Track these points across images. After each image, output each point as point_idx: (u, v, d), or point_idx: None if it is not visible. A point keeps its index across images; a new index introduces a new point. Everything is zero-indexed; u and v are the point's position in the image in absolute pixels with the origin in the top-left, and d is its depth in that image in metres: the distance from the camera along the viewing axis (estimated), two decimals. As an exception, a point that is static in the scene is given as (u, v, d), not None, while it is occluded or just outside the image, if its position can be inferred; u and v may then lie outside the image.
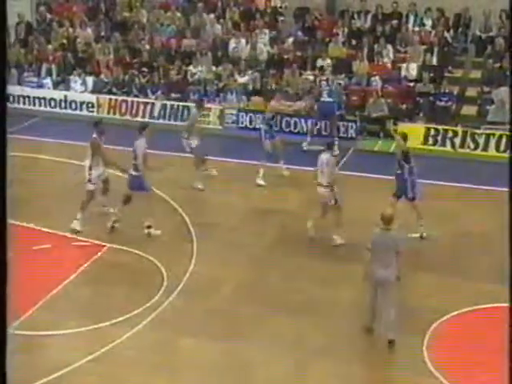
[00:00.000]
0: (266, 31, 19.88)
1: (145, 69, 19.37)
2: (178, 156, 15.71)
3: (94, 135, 12.61)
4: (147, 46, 19.94)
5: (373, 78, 18.41)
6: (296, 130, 17.51)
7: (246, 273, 11.47)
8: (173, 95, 18.83)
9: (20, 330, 9.82)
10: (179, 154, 15.72)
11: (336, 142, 16.66)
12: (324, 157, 12.46)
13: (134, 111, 18.62)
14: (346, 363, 9.31)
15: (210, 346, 9.65)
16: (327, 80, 16.85)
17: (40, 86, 19.38)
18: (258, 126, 17.37)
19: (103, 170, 12.71)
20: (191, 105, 18.31)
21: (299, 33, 19.92)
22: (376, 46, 19.03)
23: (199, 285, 11.21)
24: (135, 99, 18.69)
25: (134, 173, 12.41)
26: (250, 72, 18.88)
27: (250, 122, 17.82)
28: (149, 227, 12.51)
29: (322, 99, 16.71)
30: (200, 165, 14.65)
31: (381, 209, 13.62)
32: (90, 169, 12.52)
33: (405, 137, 12.76)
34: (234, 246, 12.32)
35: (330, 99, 16.69)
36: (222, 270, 11.60)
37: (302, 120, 17.49)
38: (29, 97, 19.08)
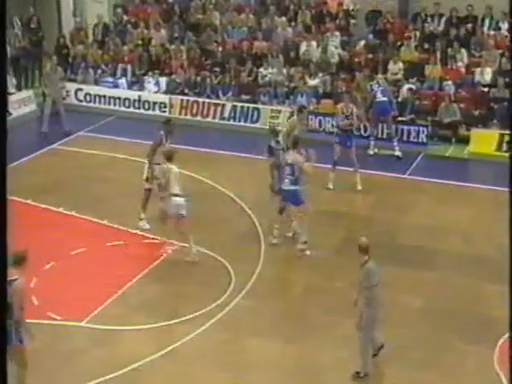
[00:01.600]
0: (338, 34, 19.83)
1: (217, 70, 19.62)
2: (246, 157, 15.91)
3: (161, 132, 12.75)
4: (219, 48, 20.19)
5: (445, 83, 18.14)
6: (366, 134, 17.43)
7: (313, 275, 11.51)
8: (243, 97, 19.01)
9: (92, 324, 10.17)
10: (247, 154, 15.93)
11: (372, 142, 16.73)
12: (171, 167, 11.74)
13: (205, 112, 18.87)
14: (416, 369, 9.27)
15: (276, 348, 9.75)
16: (378, 81, 16.79)
17: (115, 85, 19.81)
18: (328, 130, 17.47)
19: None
20: (261, 106, 18.53)
21: (371, 36, 19.81)
22: (449, 50, 18.73)
23: (266, 286, 11.33)
24: (206, 100, 18.94)
25: (291, 187, 11.94)
26: (320, 75, 18.88)
27: (320, 124, 17.81)
28: (304, 243, 12.02)
29: (377, 99, 16.63)
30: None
31: (451, 216, 13.58)
32: (150, 167, 12.56)
33: (274, 132, 13.34)
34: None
35: (385, 98, 16.61)
36: (290, 272, 11.71)
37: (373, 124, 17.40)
38: (105, 96, 19.57)
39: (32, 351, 9.70)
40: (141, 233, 12.71)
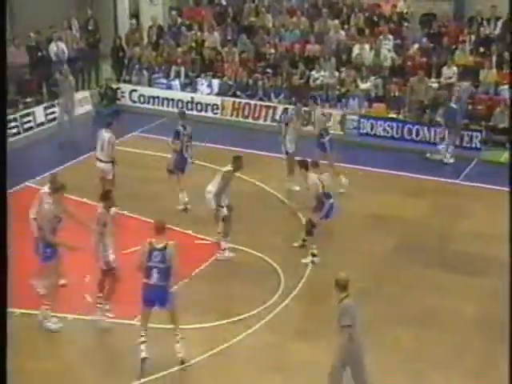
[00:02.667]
0: (391, 37, 19.71)
1: (269, 72, 19.70)
2: (297, 159, 15.89)
3: (230, 168, 12.20)
4: (272, 50, 20.27)
5: (501, 87, 17.85)
6: (418, 138, 17.29)
7: (363, 280, 11.43)
8: (295, 99, 19.02)
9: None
10: (298, 157, 15.93)
11: (443, 147, 16.41)
12: (106, 135, 13.34)
13: (256, 114, 18.99)
14: (465, 377, 9.16)
15: (325, 352, 9.71)
16: (462, 86, 16.66)
17: (169, 87, 20.08)
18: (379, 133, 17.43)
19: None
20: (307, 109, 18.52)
21: (424, 39, 19.62)
22: (506, 54, 18.43)
23: (315, 290, 11.33)
24: (258, 102, 19.06)
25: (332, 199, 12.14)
26: (372, 78, 18.80)
27: (372, 128, 17.74)
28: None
29: (450, 104, 16.50)
30: (291, 170, 14.48)
31: (504, 222, 13.31)
32: (218, 195, 12.10)
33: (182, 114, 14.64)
34: (351, 253, 12.36)
35: (455, 106, 16.43)
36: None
37: (425, 128, 17.26)
38: (158, 97, 19.86)
39: (84, 347, 9.98)
40: (193, 233, 12.85)
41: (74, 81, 18.42)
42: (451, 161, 16.38)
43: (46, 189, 10.78)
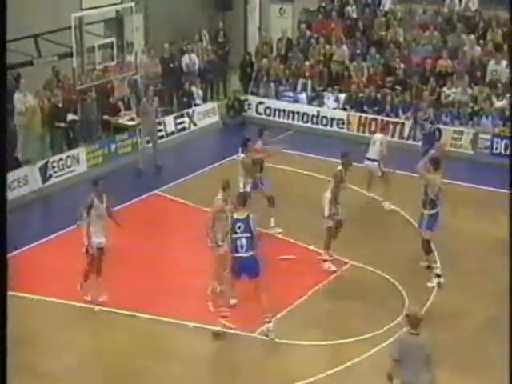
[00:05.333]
0: (531, 53, 18.80)
1: (397, 88, 19.27)
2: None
3: (340, 168, 12.12)
4: (402, 65, 19.82)
5: None
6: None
7: (494, 307, 10.88)
8: (424, 116, 18.48)
9: (264, 336, 10.27)
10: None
11: None
12: (378, 136, 14.71)
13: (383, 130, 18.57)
14: None
15: (451, 379, 9.29)
16: None
17: (296, 100, 20.04)
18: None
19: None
20: (442, 127, 17.93)
21: None
22: None
23: (441, 314, 10.89)
24: (385, 118, 18.66)
25: (431, 211, 11.73)
26: (508, 96, 17.96)
27: (506, 148, 16.93)
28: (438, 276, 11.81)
29: None
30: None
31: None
32: (332, 202, 11.97)
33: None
34: (481, 277, 11.85)
35: None
36: (468, 301, 11.18)
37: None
38: (284, 110, 19.87)
39: (205, 357, 10.05)
40: (315, 249, 12.68)
41: (158, 105, 17.32)
42: None
43: (219, 196, 10.91)
